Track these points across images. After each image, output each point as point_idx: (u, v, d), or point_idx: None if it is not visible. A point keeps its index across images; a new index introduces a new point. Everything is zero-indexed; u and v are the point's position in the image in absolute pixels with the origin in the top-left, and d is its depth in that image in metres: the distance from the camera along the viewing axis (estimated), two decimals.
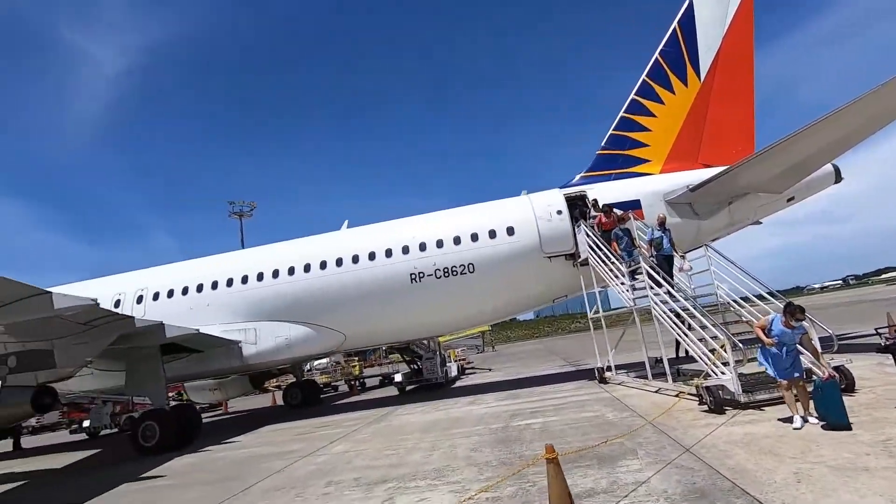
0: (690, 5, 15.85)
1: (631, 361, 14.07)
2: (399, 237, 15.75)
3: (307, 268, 15.83)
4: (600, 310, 14.02)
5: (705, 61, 15.65)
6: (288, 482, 7.63)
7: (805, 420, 6.64)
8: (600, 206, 13.99)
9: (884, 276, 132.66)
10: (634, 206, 14.59)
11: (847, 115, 10.69)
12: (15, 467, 14.55)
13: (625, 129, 16.33)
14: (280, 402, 24.00)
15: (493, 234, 15.15)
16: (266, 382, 25.47)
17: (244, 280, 16.15)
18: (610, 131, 16.57)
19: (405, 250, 15.40)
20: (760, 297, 10.29)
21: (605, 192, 15.03)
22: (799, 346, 7.27)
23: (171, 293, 16.49)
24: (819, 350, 7.62)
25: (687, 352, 10.37)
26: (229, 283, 16.22)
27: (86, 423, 21.39)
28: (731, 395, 8.11)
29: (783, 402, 7.17)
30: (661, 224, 12.34)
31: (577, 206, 15.13)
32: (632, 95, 16.33)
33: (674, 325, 10.04)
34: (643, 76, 16.24)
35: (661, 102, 15.97)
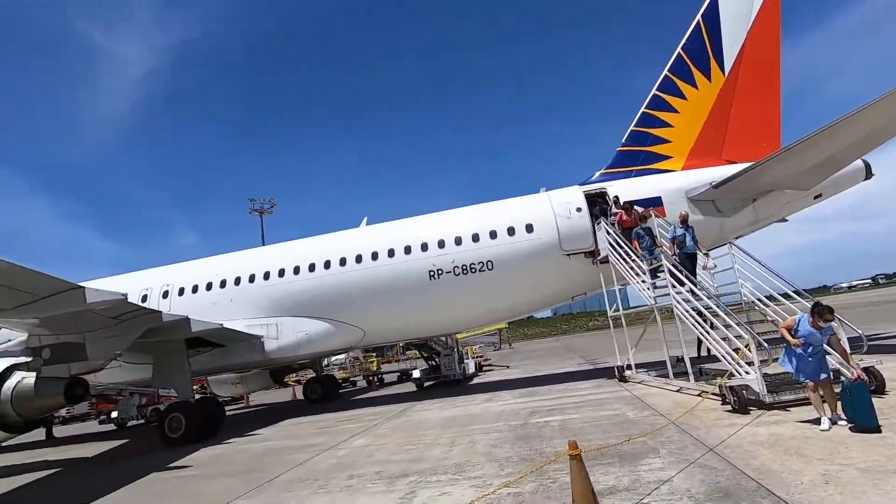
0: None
1: (651, 360, 13.93)
2: (417, 234, 15.83)
3: (327, 264, 16.03)
4: (620, 308, 13.90)
5: (730, 55, 15.30)
6: (311, 474, 7.77)
7: (833, 422, 6.52)
8: (621, 203, 13.88)
9: None
10: (656, 203, 14.42)
11: (879, 110, 10.37)
12: (48, 455, 15.10)
13: (646, 125, 16.09)
14: (300, 396, 24.36)
15: (511, 231, 15.13)
16: (286, 377, 25.87)
17: (266, 276, 16.44)
18: (631, 127, 16.35)
19: (424, 247, 15.48)
20: (786, 296, 10.06)
21: (625, 189, 14.87)
22: (827, 347, 7.13)
23: (195, 288, 16.89)
24: (848, 351, 7.45)
25: (709, 351, 10.23)
26: (251, 279, 16.53)
27: (114, 414, 22.10)
28: (756, 396, 8.00)
29: (809, 404, 7.03)
30: (684, 221, 12.20)
31: (597, 204, 15.02)
32: (653, 90, 16.07)
33: (696, 324, 9.92)
34: (665, 71, 15.98)
35: (684, 98, 15.70)
